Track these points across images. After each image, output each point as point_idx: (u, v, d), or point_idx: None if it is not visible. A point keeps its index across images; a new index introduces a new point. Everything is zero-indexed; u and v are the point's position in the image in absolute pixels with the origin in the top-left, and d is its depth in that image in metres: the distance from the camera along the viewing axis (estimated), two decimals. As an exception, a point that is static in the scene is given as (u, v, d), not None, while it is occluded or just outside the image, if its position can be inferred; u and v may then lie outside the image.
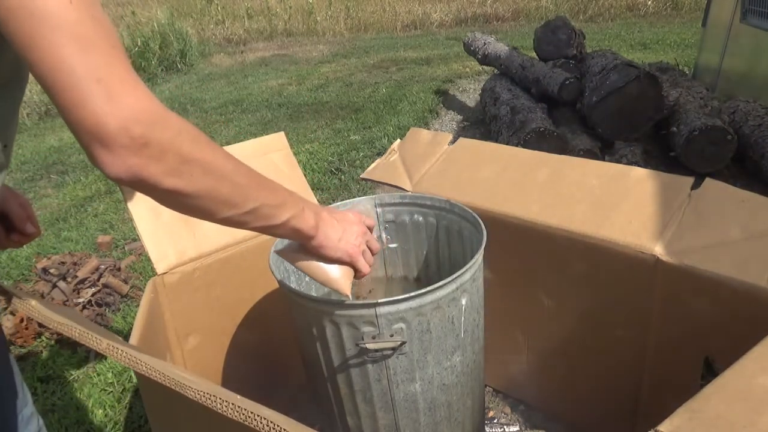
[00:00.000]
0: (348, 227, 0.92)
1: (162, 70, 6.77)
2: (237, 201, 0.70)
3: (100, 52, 0.55)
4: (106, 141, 0.56)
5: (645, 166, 1.96)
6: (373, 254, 0.98)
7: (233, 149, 1.50)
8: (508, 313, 1.50)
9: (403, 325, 1.04)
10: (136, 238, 2.82)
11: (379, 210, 1.41)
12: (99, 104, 0.55)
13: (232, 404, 0.67)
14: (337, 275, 0.92)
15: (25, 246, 2.82)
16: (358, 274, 0.95)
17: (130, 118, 0.56)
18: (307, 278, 1.37)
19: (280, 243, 1.26)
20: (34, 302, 0.86)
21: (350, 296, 0.94)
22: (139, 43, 6.65)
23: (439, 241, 1.41)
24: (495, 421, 1.60)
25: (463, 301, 1.12)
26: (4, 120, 0.72)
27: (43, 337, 2.13)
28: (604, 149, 2.99)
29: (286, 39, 8.89)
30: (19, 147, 4.53)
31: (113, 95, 0.55)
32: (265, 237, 1.44)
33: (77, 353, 2.06)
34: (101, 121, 0.55)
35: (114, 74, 0.56)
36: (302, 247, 0.90)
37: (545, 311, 1.43)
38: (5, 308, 2.17)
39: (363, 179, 1.71)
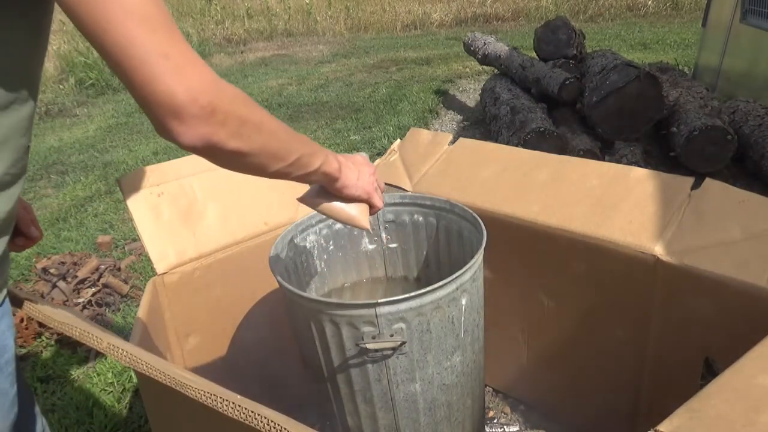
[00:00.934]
0: (361, 168, 1.00)
1: (162, 70, 6.77)
2: (283, 154, 0.77)
3: (164, 31, 0.60)
4: (178, 112, 0.60)
5: (645, 166, 1.96)
6: (381, 192, 1.06)
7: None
8: (508, 313, 1.50)
9: (403, 325, 1.04)
10: (136, 238, 2.82)
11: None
12: (169, 78, 0.59)
13: (233, 403, 0.67)
14: (357, 212, 1.00)
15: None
16: (373, 209, 1.03)
17: (197, 89, 0.61)
18: (308, 278, 1.37)
19: (279, 243, 1.26)
20: (33, 302, 0.86)
21: (370, 229, 1.05)
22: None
23: (439, 241, 1.41)
24: (495, 421, 1.60)
25: (463, 301, 1.12)
26: (31, 112, 0.72)
27: (43, 337, 2.13)
28: (604, 149, 2.99)
29: (286, 39, 8.89)
30: (19, 147, 4.53)
31: (180, 69, 0.60)
32: (264, 237, 1.44)
33: (77, 353, 2.06)
34: (172, 94, 0.59)
35: (178, 51, 0.60)
36: (321, 191, 0.98)
37: (545, 311, 1.43)
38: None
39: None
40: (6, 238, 0.73)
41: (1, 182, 0.68)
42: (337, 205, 0.99)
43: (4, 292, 0.75)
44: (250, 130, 0.69)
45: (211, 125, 0.63)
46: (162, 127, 0.62)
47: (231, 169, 0.74)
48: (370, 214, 1.03)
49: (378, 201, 1.03)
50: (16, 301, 0.87)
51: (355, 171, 0.98)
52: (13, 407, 0.78)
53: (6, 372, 0.75)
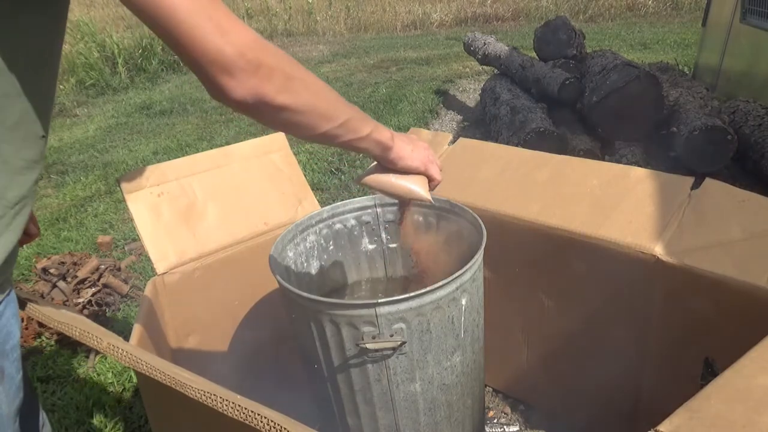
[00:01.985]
0: (415, 142, 0.99)
1: (162, 70, 6.78)
2: (332, 114, 0.79)
3: None
4: (228, 67, 0.66)
5: (645, 166, 1.96)
6: (439, 167, 1.04)
7: (233, 149, 1.50)
8: (508, 313, 1.50)
9: (403, 325, 1.04)
10: (136, 238, 2.82)
11: (379, 210, 1.41)
12: (216, 38, 0.64)
13: (233, 403, 0.67)
14: (416, 185, 0.99)
15: (25, 246, 2.81)
16: (432, 182, 1.02)
17: (242, 45, 0.66)
18: (308, 278, 1.37)
19: (279, 243, 1.26)
20: (34, 302, 0.86)
21: (431, 200, 1.02)
22: (144, 44, 6.65)
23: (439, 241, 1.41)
24: (495, 421, 1.61)
25: (463, 301, 1.12)
26: (46, 101, 0.73)
27: (43, 337, 2.13)
28: (604, 149, 2.99)
29: (286, 39, 8.89)
30: (19, 147, 4.52)
31: (225, 29, 0.65)
32: (264, 237, 1.44)
33: (77, 353, 2.06)
34: (221, 51, 0.65)
35: (220, 13, 0.65)
36: (378, 168, 0.98)
37: (545, 311, 1.43)
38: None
39: (363, 179, 1.70)
40: (19, 226, 0.72)
41: (15, 167, 0.69)
42: (395, 179, 0.98)
43: (10, 282, 0.76)
44: (296, 85, 0.72)
45: (258, 78, 0.67)
46: (214, 85, 0.67)
47: (282, 130, 0.78)
48: (430, 187, 1.01)
49: (437, 173, 1.01)
50: (17, 302, 0.87)
51: (409, 143, 0.97)
52: (19, 392, 0.79)
53: (12, 357, 0.77)
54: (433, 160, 1.01)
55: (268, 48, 0.69)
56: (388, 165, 0.96)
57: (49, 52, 0.71)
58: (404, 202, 1.15)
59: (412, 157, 0.97)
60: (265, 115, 0.73)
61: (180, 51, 0.65)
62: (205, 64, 0.65)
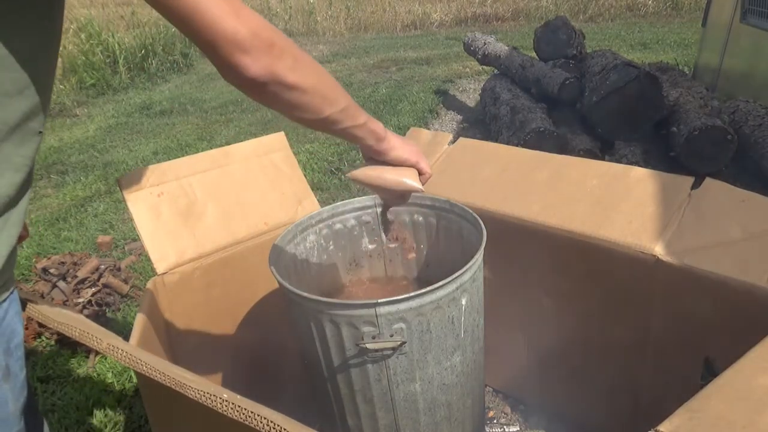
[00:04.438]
0: (403, 138, 1.02)
1: (162, 70, 6.78)
2: (333, 98, 0.82)
3: None
4: (244, 46, 0.69)
5: (645, 166, 1.95)
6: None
7: (233, 149, 1.50)
8: (508, 313, 1.50)
9: (403, 325, 1.04)
10: (136, 238, 2.82)
11: (379, 210, 1.41)
12: (231, 19, 0.68)
13: (233, 403, 0.67)
14: (407, 176, 1.01)
15: (24, 246, 2.81)
16: (423, 175, 1.03)
17: (255, 26, 0.70)
18: (308, 278, 1.37)
19: (279, 243, 1.26)
20: (34, 303, 0.86)
21: (423, 189, 1.03)
22: (145, 44, 6.65)
23: (439, 241, 1.41)
24: (495, 421, 1.61)
25: (463, 301, 1.12)
26: (45, 92, 0.72)
27: (43, 337, 2.13)
28: (604, 149, 2.99)
29: (287, 39, 8.89)
30: (19, 147, 4.52)
31: (239, 11, 0.68)
32: (264, 237, 1.44)
33: (77, 353, 2.06)
34: (237, 31, 0.68)
35: None
36: (370, 164, 1.00)
37: (545, 311, 1.43)
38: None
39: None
40: (15, 223, 0.72)
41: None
42: (386, 172, 0.99)
43: (13, 280, 0.76)
44: (303, 66, 0.76)
45: (271, 56, 0.71)
46: (230, 63, 0.70)
47: (289, 111, 0.79)
48: (421, 180, 1.03)
49: (427, 166, 1.03)
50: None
51: (398, 137, 1.00)
52: (24, 390, 0.80)
53: (16, 356, 0.78)
54: (423, 155, 1.03)
55: (277, 30, 0.73)
56: (379, 156, 0.98)
57: (44, 50, 0.71)
58: (389, 203, 1.16)
59: (404, 148, 0.99)
60: (276, 95, 0.75)
61: (195, 32, 0.68)
62: (223, 43, 0.68)
